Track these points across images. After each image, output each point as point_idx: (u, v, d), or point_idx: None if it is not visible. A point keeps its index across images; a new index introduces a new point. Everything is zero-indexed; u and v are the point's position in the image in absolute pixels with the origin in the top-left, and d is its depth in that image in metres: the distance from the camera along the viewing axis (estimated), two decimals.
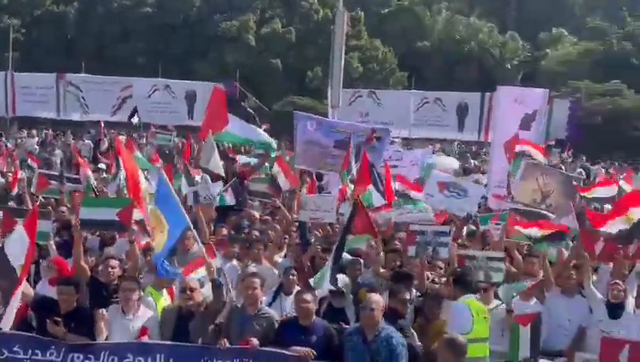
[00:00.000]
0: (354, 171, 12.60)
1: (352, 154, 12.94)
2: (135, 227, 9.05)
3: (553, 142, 41.27)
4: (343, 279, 8.58)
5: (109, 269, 8.33)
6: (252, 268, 9.17)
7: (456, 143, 40.99)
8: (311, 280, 8.26)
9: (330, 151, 13.63)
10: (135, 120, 30.66)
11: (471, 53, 57.95)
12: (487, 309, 7.54)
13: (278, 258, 10.07)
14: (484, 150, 36.34)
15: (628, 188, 16.16)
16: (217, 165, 14.15)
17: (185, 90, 44.36)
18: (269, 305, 8.14)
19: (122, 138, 21.43)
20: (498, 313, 8.01)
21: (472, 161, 31.01)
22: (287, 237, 10.95)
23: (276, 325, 7.32)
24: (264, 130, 16.72)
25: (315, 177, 15.46)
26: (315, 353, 6.92)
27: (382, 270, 9.11)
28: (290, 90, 50.79)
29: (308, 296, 7.27)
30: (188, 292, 7.54)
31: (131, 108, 33.09)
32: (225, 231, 10.99)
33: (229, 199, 12.75)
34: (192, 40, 54.29)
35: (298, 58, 53.82)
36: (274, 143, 15.10)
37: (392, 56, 55.24)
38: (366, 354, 6.77)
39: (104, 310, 7.53)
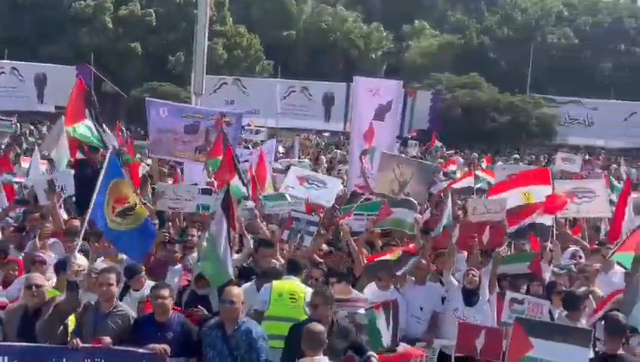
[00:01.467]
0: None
1: (204, 140, 12.82)
2: None
3: (414, 134, 42.26)
4: None
5: None
6: (102, 262, 8.56)
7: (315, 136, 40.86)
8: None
9: (182, 138, 13.23)
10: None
11: (336, 42, 58.17)
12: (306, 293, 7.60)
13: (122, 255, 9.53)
14: (349, 140, 36.34)
15: (487, 177, 16.56)
16: (59, 154, 13.53)
17: (34, 73, 41.85)
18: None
19: None
20: None
21: (336, 151, 30.87)
22: None
23: (132, 322, 6.98)
24: None
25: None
26: (170, 350, 6.63)
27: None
28: (151, 76, 48.95)
29: (164, 292, 6.94)
30: (34, 289, 6.94)
31: None
32: (77, 223, 10.06)
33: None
34: (43, 21, 50.69)
35: (159, 42, 51.90)
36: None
37: (257, 44, 54.40)
38: (225, 349, 6.64)
39: None
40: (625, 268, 8.94)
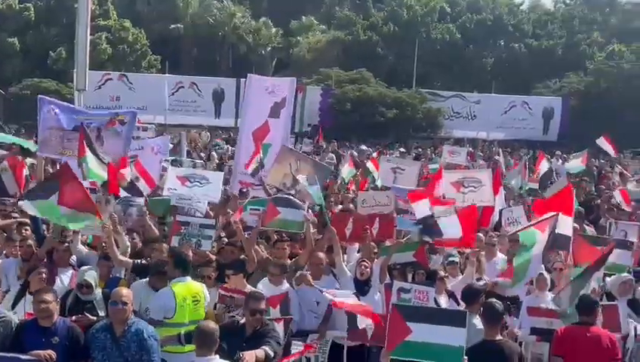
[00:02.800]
0: None
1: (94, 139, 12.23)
2: None
3: (308, 128, 42.48)
4: (91, 273, 8.08)
5: None
6: None
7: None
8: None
9: (67, 135, 12.74)
10: None
11: (225, 38, 57.63)
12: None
13: None
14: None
15: (374, 171, 16.80)
16: None
17: None
18: (13, 307, 7.79)
19: None
20: None
21: (227, 147, 30.61)
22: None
23: (15, 328, 6.85)
24: None
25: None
26: (55, 355, 6.50)
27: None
28: (31, 72, 46.97)
29: (48, 296, 6.81)
30: None
31: None
32: None
33: None
34: None
35: (38, 37, 49.75)
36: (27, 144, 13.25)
37: (143, 39, 53.06)
38: (115, 351, 6.60)
39: None
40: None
